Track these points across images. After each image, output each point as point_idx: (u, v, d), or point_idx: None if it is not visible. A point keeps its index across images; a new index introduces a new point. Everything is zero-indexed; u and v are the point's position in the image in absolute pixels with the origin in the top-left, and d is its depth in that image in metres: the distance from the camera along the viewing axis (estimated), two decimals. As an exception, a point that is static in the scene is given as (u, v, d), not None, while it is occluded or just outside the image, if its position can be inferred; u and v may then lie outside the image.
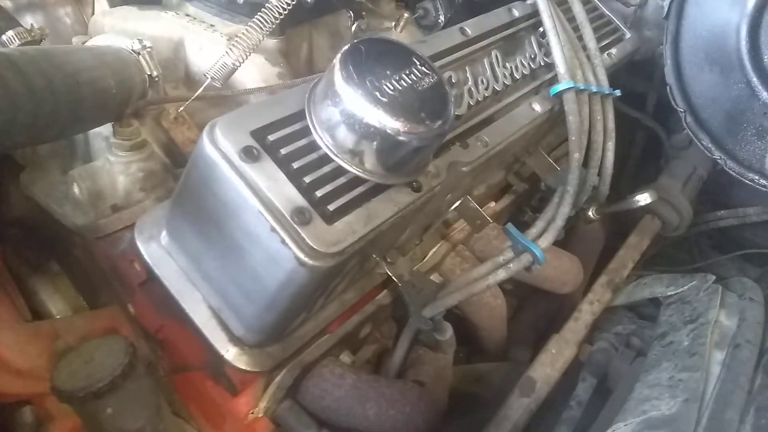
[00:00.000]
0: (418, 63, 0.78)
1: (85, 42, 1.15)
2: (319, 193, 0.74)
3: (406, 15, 1.33)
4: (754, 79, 1.19)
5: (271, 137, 0.75)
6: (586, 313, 1.30)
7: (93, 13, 1.37)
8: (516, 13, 1.20)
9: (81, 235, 0.99)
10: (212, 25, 1.21)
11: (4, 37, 1.17)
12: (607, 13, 1.45)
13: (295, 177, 0.73)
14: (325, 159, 0.76)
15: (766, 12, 1.18)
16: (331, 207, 0.74)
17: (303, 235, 0.70)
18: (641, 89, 1.72)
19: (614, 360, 1.24)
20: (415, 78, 0.76)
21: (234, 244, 0.76)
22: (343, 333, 0.99)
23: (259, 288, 0.77)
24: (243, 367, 0.85)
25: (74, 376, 0.81)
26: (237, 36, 1.03)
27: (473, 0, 1.46)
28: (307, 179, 0.74)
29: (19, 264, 1.10)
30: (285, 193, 0.71)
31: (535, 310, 1.59)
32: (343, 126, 0.73)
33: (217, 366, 0.89)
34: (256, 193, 0.71)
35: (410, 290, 1.03)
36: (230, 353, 0.85)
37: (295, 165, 0.74)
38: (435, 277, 1.19)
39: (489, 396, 1.32)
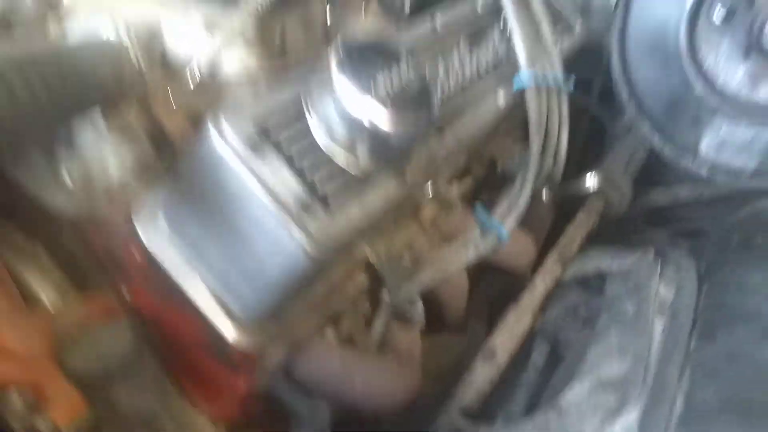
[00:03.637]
0: (404, 60, 0.85)
1: (63, 23, 1.16)
2: (318, 185, 0.81)
3: (375, 4, 1.39)
4: (691, 73, 1.33)
5: (273, 131, 0.81)
6: (540, 286, 1.42)
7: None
8: (479, 3, 1.29)
9: (72, 221, 1.02)
10: (188, 9, 1.22)
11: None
12: (557, 3, 1.54)
13: (296, 168, 0.80)
14: (321, 150, 0.82)
15: (701, 11, 1.31)
16: (329, 198, 0.81)
17: (308, 227, 0.77)
18: (586, 75, 1.84)
19: (564, 328, 1.37)
20: (402, 75, 0.83)
21: (238, 233, 0.82)
22: (330, 311, 1.06)
23: (262, 274, 0.84)
24: (243, 344, 0.92)
25: (86, 359, 0.86)
26: (218, 24, 1.07)
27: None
28: (307, 170, 0.80)
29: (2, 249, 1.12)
30: (290, 187, 0.78)
31: (490, 284, 1.71)
32: (339, 123, 0.80)
33: (217, 344, 0.95)
34: (264, 186, 0.77)
35: (388, 271, 1.11)
36: (231, 332, 0.91)
37: (296, 156, 0.80)
38: (406, 255, 1.28)
39: (452, 364, 1.43)
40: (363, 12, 1.38)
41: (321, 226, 0.78)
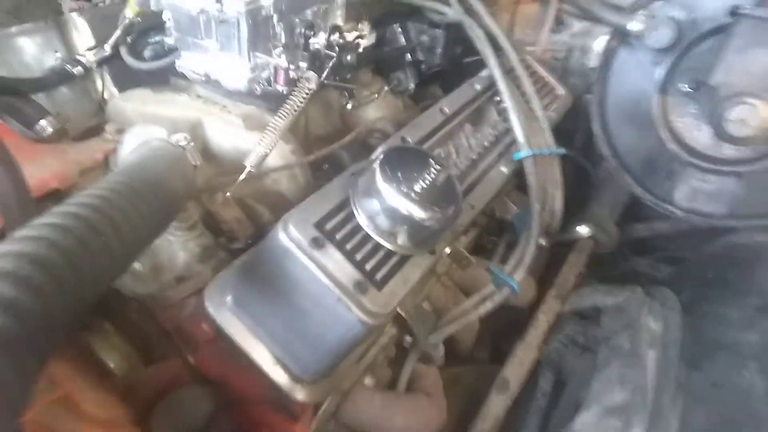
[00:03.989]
0: (433, 162, 1.03)
1: (117, 129, 1.33)
2: (368, 267, 0.98)
3: (385, 88, 1.58)
4: (663, 135, 1.53)
5: (328, 226, 0.98)
6: (543, 321, 1.60)
7: (99, 91, 1.53)
8: (478, 87, 1.48)
9: (141, 301, 1.18)
10: (225, 106, 1.38)
11: (38, 127, 1.33)
12: (543, 73, 1.74)
13: (350, 256, 0.97)
14: (368, 238, 1.00)
15: (670, 84, 1.51)
16: (378, 276, 0.98)
17: (363, 302, 0.93)
18: (569, 126, 2.04)
19: (566, 356, 1.55)
20: (432, 175, 1.01)
21: (303, 310, 0.98)
22: (368, 362, 1.23)
23: (322, 341, 1.00)
24: (303, 399, 1.07)
25: (172, 422, 1.01)
26: (258, 121, 1.24)
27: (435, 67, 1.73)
28: (358, 256, 0.98)
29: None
30: (346, 271, 0.95)
31: (494, 317, 1.89)
32: (383, 215, 0.98)
33: (278, 399, 1.10)
34: (325, 273, 0.93)
35: (416, 322, 1.28)
36: (293, 389, 1.06)
37: (348, 246, 0.98)
38: (426, 305, 1.45)
39: (465, 394, 1.60)
40: (378, 95, 1.57)
41: (373, 300, 0.95)
